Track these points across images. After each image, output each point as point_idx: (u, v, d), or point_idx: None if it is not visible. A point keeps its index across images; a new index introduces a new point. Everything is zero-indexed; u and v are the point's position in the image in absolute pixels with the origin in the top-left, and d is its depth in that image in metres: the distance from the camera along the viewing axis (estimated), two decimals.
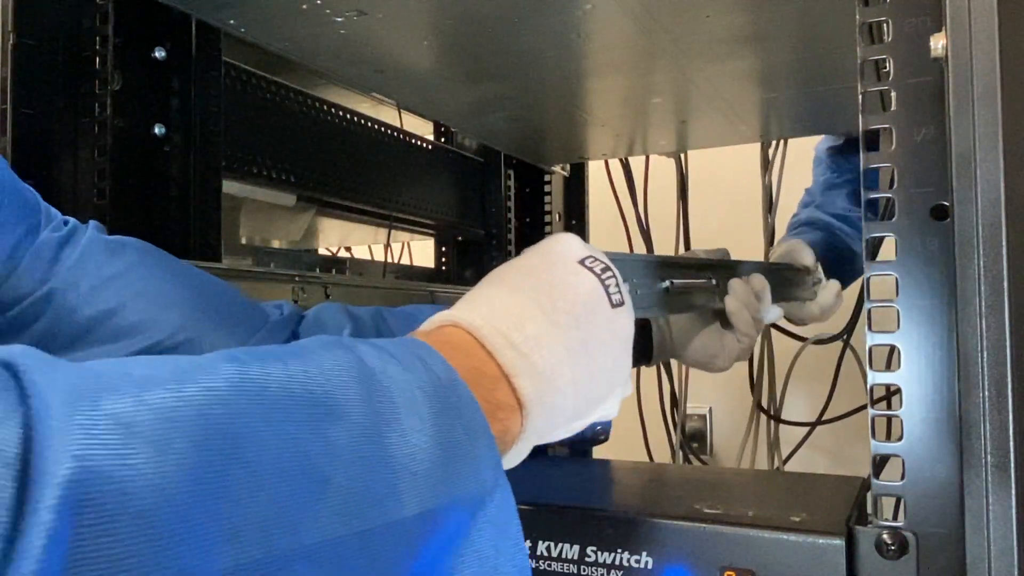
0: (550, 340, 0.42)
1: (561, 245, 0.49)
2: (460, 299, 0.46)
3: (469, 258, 1.39)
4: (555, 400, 0.42)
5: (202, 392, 0.27)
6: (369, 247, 1.45)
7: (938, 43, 0.43)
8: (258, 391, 0.29)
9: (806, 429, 1.42)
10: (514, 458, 0.42)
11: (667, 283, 0.61)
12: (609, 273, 0.47)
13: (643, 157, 1.37)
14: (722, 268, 0.67)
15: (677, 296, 0.62)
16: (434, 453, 0.34)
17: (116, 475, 0.23)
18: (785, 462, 1.45)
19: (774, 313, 0.79)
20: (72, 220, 0.53)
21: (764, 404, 1.42)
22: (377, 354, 0.35)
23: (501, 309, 0.43)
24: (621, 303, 0.47)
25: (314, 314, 0.63)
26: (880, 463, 0.47)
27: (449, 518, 0.34)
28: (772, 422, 1.43)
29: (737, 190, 1.52)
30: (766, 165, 1.36)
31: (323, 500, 0.29)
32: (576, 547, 0.56)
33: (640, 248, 1.44)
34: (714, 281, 0.69)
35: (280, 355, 0.32)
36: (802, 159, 1.35)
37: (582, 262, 0.47)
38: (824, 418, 1.39)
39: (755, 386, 1.41)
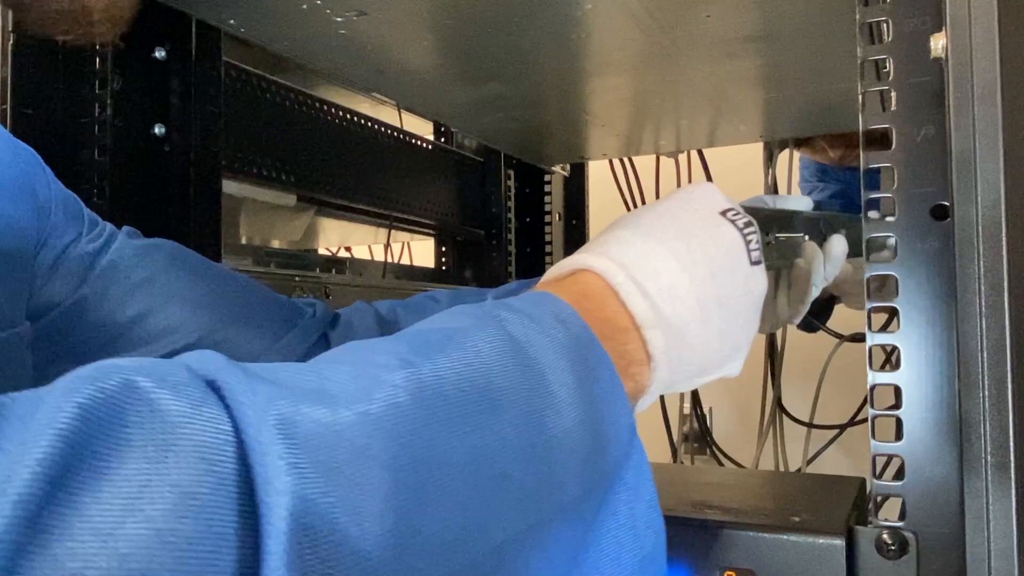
0: (684, 293, 0.41)
1: (703, 193, 0.47)
2: (594, 239, 0.45)
3: (469, 258, 1.38)
4: (682, 355, 0.41)
5: (388, 411, 0.27)
6: (369, 247, 1.45)
7: (938, 43, 0.43)
8: (435, 398, 0.29)
9: (807, 430, 1.42)
10: (639, 408, 0.41)
11: (771, 238, 0.57)
12: (752, 228, 0.46)
13: (652, 157, 1.37)
14: (812, 223, 0.60)
15: (773, 253, 0.58)
16: (584, 426, 0.33)
17: (326, 512, 0.23)
18: (809, 462, 1.44)
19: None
20: (108, 225, 0.54)
21: (766, 404, 1.41)
22: (520, 322, 0.34)
23: (636, 256, 0.42)
24: (759, 261, 0.45)
25: (346, 318, 0.62)
26: (880, 463, 0.47)
27: (597, 489, 0.34)
28: (778, 422, 1.42)
29: (740, 189, 1.52)
30: (769, 162, 1.36)
31: (505, 497, 0.29)
32: None
33: None
34: (806, 237, 0.62)
35: (439, 343, 0.31)
36: None
37: (724, 213, 0.46)
38: (821, 422, 1.39)
39: (774, 384, 1.40)
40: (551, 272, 0.44)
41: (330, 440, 0.24)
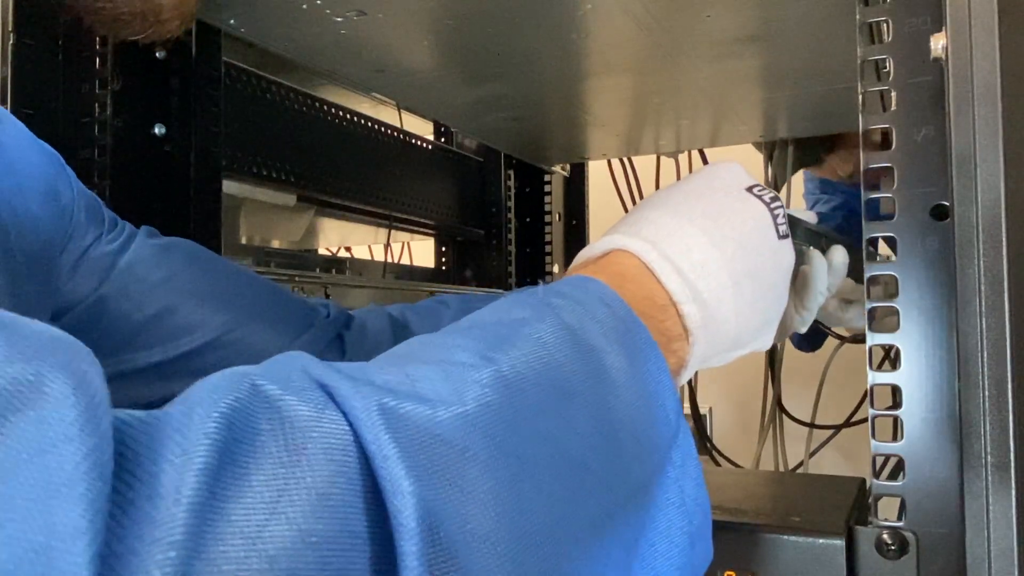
0: (716, 267, 0.42)
1: (727, 170, 0.48)
2: (623, 219, 0.46)
3: (469, 258, 1.38)
4: (718, 328, 0.42)
5: (481, 411, 0.27)
6: (369, 247, 1.45)
7: (938, 43, 0.43)
8: (518, 395, 0.29)
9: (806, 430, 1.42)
10: (679, 383, 0.42)
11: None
12: (778, 203, 0.47)
13: (652, 157, 1.37)
14: (814, 235, 0.60)
15: None
16: (640, 409, 0.34)
17: (439, 512, 0.24)
18: (804, 461, 1.44)
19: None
20: (128, 225, 0.54)
21: (766, 404, 1.41)
22: (571, 309, 0.35)
23: (667, 234, 0.43)
24: (786, 235, 0.46)
25: (359, 320, 0.62)
26: (880, 463, 0.47)
27: (653, 471, 0.35)
28: (778, 423, 1.42)
29: None
30: (769, 162, 1.36)
31: (587, 488, 0.30)
32: None
33: None
34: (810, 246, 0.62)
35: (509, 337, 0.32)
36: None
37: (750, 189, 0.47)
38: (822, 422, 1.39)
39: (774, 384, 1.40)
40: (583, 254, 0.45)
41: (433, 443, 0.25)
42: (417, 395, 0.26)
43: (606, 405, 0.33)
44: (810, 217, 0.57)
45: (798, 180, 1.34)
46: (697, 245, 0.43)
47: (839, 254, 0.59)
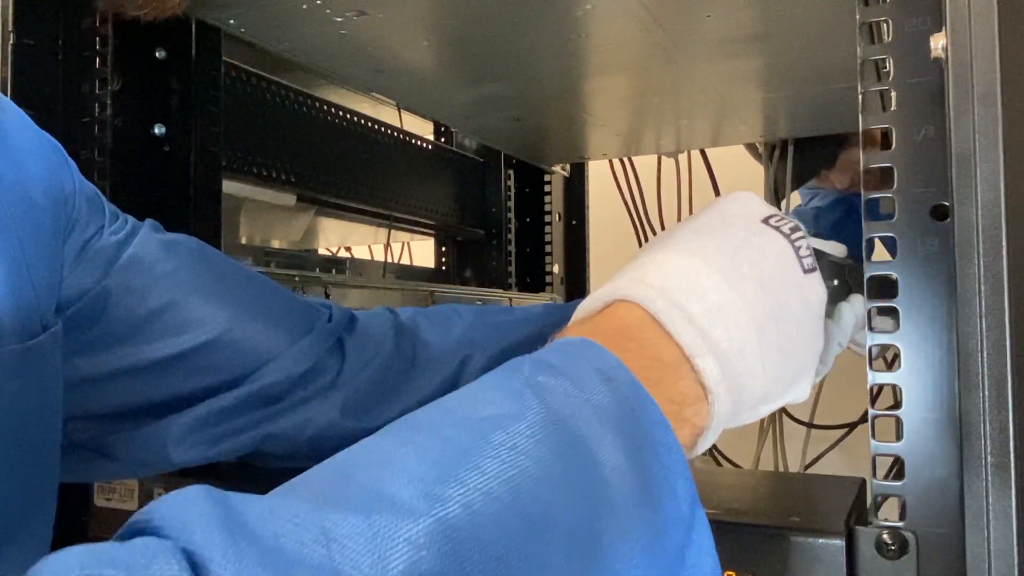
0: (735, 311, 0.37)
1: (740, 203, 0.44)
2: (628, 265, 0.41)
3: (469, 258, 1.38)
4: (743, 381, 0.37)
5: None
6: (369, 247, 1.45)
7: (938, 43, 0.43)
8: (470, 546, 0.24)
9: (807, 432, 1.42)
10: (700, 449, 0.38)
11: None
12: (799, 233, 0.42)
13: (653, 157, 1.37)
14: (837, 269, 0.55)
15: None
16: (641, 509, 0.30)
17: None
18: (809, 465, 1.43)
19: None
20: (131, 219, 0.53)
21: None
22: (562, 390, 0.31)
23: (676, 277, 0.38)
24: (813, 268, 0.42)
25: (363, 323, 0.61)
26: (880, 463, 0.47)
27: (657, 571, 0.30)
28: (778, 423, 1.42)
29: (740, 189, 1.52)
30: (768, 162, 1.36)
31: None
32: None
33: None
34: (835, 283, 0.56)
35: (471, 449, 0.27)
36: None
37: (766, 221, 0.42)
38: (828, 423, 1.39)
39: None
40: (585, 305, 0.40)
41: None
42: (327, 568, 0.21)
43: (593, 530, 0.28)
44: (837, 250, 0.51)
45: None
46: (713, 286, 0.38)
47: (859, 307, 0.51)
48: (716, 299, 0.37)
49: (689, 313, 0.37)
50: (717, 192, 1.39)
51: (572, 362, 0.33)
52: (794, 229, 0.42)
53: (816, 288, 0.42)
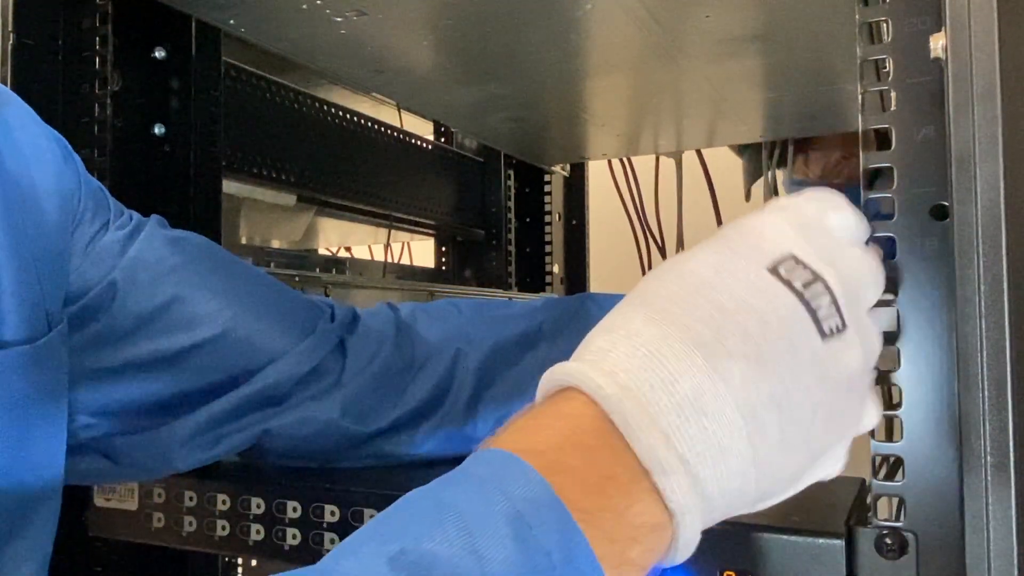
0: (715, 402, 0.30)
1: (754, 236, 0.34)
2: (603, 321, 0.34)
3: (469, 258, 1.39)
4: (725, 486, 0.31)
5: None
6: (369, 247, 1.45)
7: (938, 43, 0.43)
8: None
9: None
10: (665, 564, 0.31)
11: None
12: (817, 287, 0.33)
13: (651, 157, 1.37)
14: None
15: None
16: None
17: None
18: None
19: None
20: (136, 214, 0.53)
21: None
22: (448, 566, 0.26)
23: (643, 354, 0.31)
24: (838, 329, 0.33)
25: (365, 323, 0.61)
26: (880, 463, 0.47)
27: None
28: None
29: (740, 188, 1.52)
30: (769, 161, 1.36)
31: None
32: None
33: (644, 249, 1.43)
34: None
35: None
36: None
37: (776, 268, 0.33)
38: None
39: None
40: (545, 380, 0.33)
41: None
42: None
43: None
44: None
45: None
46: (685, 372, 0.30)
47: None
48: (688, 388, 0.30)
49: (653, 409, 0.30)
50: (713, 194, 1.38)
51: (483, 505, 0.27)
52: (810, 282, 0.33)
53: (842, 354, 0.33)
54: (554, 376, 0.32)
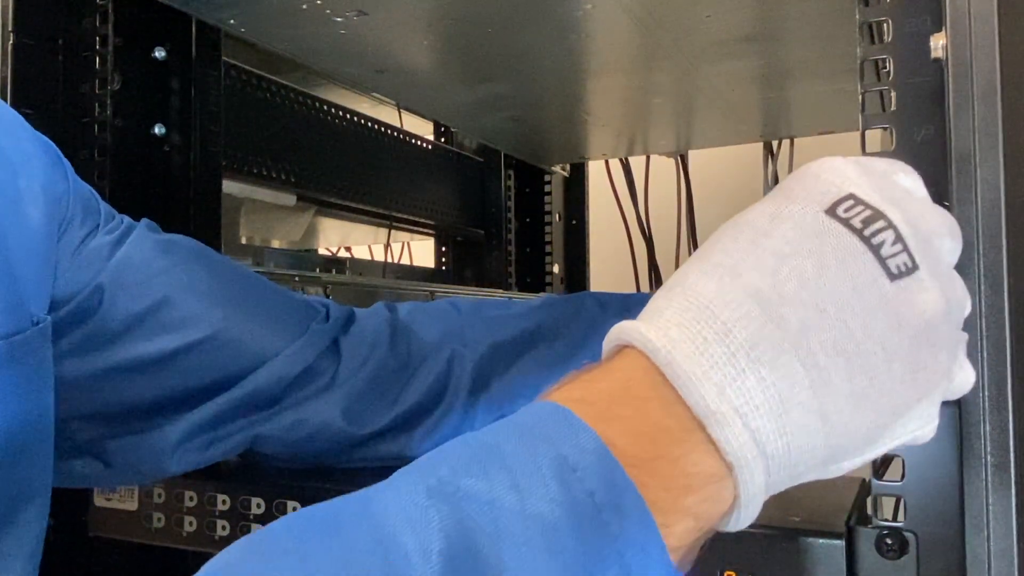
0: (772, 350, 0.29)
1: (810, 180, 0.33)
2: (670, 279, 0.33)
3: (469, 258, 1.39)
4: (790, 441, 0.29)
5: None
6: (369, 247, 1.45)
7: (938, 43, 0.43)
8: None
9: None
10: (734, 527, 0.31)
11: None
12: (880, 224, 0.31)
13: (643, 157, 1.37)
14: None
15: None
16: None
17: None
18: None
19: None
20: (126, 218, 0.53)
21: None
22: (487, 500, 0.25)
23: (695, 309, 0.30)
24: (909, 268, 0.31)
25: (360, 323, 0.60)
26: (880, 463, 0.47)
27: None
28: None
29: (740, 189, 1.52)
30: (767, 162, 1.36)
31: None
32: None
33: (641, 249, 1.43)
34: None
35: None
36: (808, 155, 1.34)
37: (834, 209, 0.31)
38: None
39: None
40: (605, 341, 0.33)
41: None
42: None
43: None
44: None
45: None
46: (739, 319, 0.29)
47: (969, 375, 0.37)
48: (744, 338, 0.29)
49: (705, 362, 0.29)
50: (687, 191, 1.38)
51: (525, 448, 0.27)
52: (870, 219, 0.31)
53: (916, 297, 0.31)
54: (611, 336, 0.32)
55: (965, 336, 0.35)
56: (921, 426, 0.33)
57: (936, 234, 0.33)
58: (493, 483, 0.26)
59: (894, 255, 0.31)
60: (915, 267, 0.31)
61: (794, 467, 0.30)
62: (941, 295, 0.31)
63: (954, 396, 0.35)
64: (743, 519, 0.30)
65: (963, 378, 0.34)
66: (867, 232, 0.31)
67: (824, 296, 0.30)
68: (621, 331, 0.31)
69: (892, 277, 0.30)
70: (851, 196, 0.32)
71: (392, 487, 0.27)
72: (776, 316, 0.29)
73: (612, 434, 0.28)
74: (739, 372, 0.29)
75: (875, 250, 0.31)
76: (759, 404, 0.29)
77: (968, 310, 0.35)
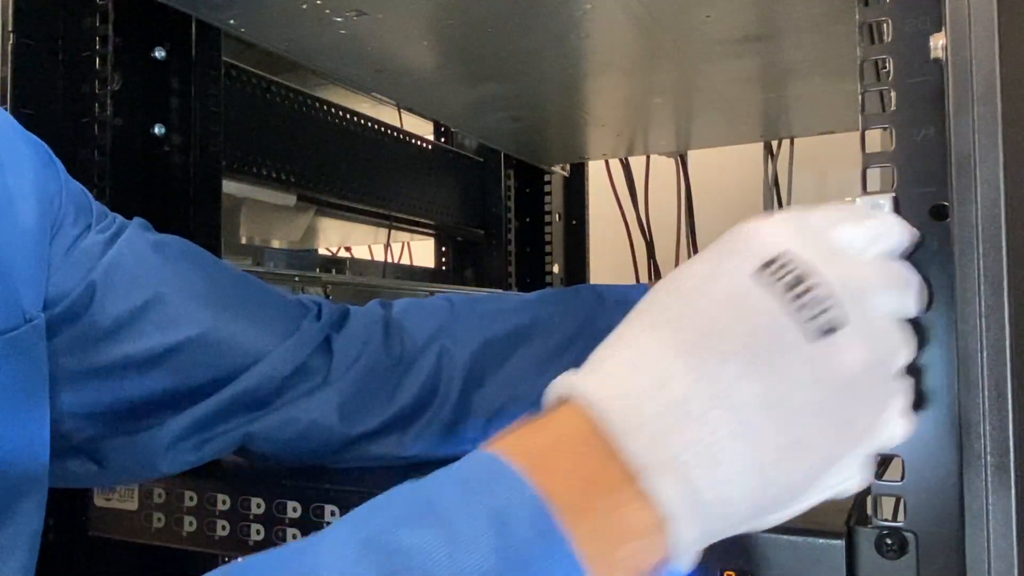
0: (703, 405, 0.30)
1: (745, 239, 0.34)
2: (609, 336, 0.34)
3: (469, 258, 1.39)
4: (723, 491, 0.30)
5: None
6: (369, 247, 1.45)
7: (938, 43, 0.43)
8: None
9: None
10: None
11: None
12: (808, 283, 0.32)
13: (643, 157, 1.37)
14: None
15: None
16: None
17: None
18: None
19: None
20: (118, 217, 0.53)
21: None
22: (423, 554, 0.26)
23: (634, 361, 0.31)
24: (832, 327, 0.32)
25: (353, 322, 0.59)
26: (880, 463, 0.47)
27: None
28: None
29: (740, 189, 1.52)
30: (767, 162, 1.36)
31: None
32: None
33: (641, 249, 1.43)
34: None
35: None
36: (808, 155, 1.34)
37: (764, 269, 0.32)
38: None
39: None
40: (547, 393, 0.34)
41: None
42: None
43: None
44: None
45: (799, 180, 1.34)
46: (671, 377, 0.30)
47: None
48: (677, 392, 0.30)
49: (640, 414, 0.30)
50: (686, 191, 1.38)
51: (461, 499, 0.28)
52: (795, 282, 0.32)
53: (842, 355, 0.32)
54: (554, 388, 0.33)
55: (903, 386, 0.35)
56: (845, 479, 0.34)
57: (869, 290, 0.34)
58: (427, 535, 0.26)
59: (818, 315, 0.32)
60: (843, 323, 0.32)
61: (730, 517, 0.31)
62: (867, 351, 0.32)
63: (887, 448, 0.36)
64: (679, 569, 0.31)
65: (891, 432, 0.35)
66: (793, 293, 0.32)
67: (753, 354, 0.31)
68: (561, 384, 0.32)
69: (813, 337, 0.31)
70: (783, 255, 0.33)
71: (328, 539, 0.28)
72: (707, 373, 0.30)
73: (548, 486, 0.28)
74: (671, 426, 0.30)
75: (798, 311, 0.32)
76: (691, 455, 0.29)
77: (909, 359, 0.36)
